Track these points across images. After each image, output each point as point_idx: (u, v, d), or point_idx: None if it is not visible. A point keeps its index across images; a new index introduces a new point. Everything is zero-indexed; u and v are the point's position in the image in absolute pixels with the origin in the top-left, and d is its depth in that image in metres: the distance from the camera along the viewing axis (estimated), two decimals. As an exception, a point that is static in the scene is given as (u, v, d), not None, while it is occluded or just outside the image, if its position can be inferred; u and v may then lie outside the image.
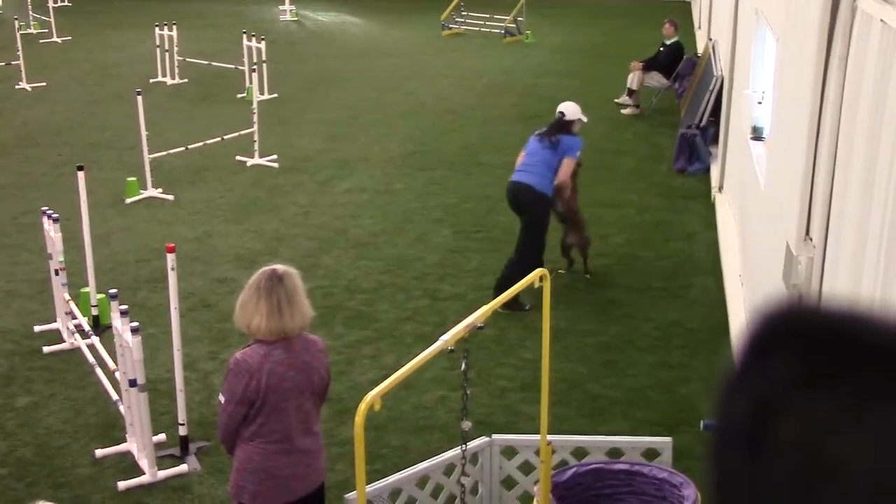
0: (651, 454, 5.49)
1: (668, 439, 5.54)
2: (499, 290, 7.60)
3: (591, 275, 9.00)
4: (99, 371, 7.25)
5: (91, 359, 7.41)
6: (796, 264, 4.98)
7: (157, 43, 17.21)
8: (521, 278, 7.95)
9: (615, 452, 5.50)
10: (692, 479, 4.98)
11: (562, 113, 8.59)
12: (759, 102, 9.03)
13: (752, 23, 9.36)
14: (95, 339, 7.62)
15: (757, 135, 8.71)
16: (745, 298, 7.95)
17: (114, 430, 6.63)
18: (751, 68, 9.48)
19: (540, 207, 8.42)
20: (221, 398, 4.48)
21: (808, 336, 0.75)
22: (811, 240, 4.96)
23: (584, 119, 8.67)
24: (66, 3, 26.03)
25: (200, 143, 12.29)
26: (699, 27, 19.76)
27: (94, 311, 8.08)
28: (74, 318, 7.84)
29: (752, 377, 0.76)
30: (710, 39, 14.88)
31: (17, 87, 16.65)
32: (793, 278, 5.02)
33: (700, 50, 16.39)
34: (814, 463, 0.71)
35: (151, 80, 17.07)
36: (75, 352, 7.67)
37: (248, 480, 4.51)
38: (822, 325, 0.75)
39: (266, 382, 4.37)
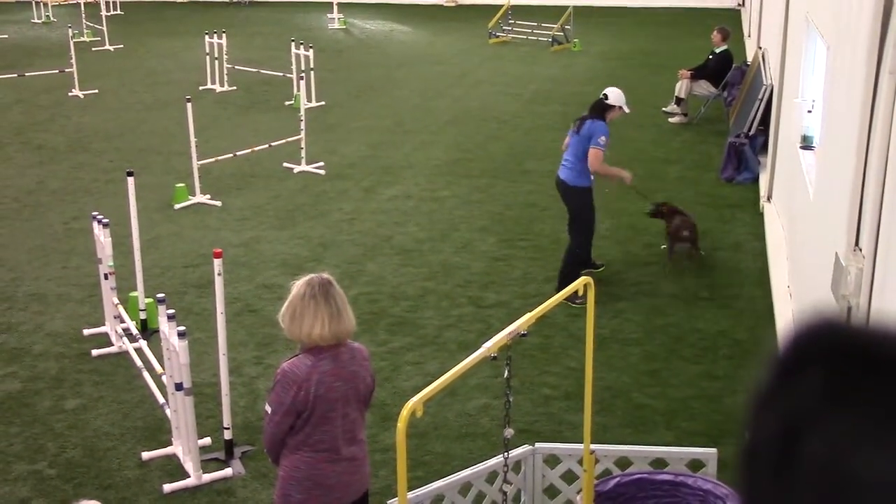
0: (696, 465, 5.44)
1: (713, 450, 5.49)
2: (560, 283, 8.36)
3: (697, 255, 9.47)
4: (146, 374, 7.33)
5: (138, 362, 7.50)
6: (845, 275, 4.91)
7: (207, 51, 17.40)
8: (572, 267, 8.31)
9: (659, 463, 5.46)
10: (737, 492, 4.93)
11: (605, 95, 8.66)
12: (809, 111, 8.94)
13: (803, 31, 9.26)
14: (143, 343, 7.72)
15: (806, 144, 8.62)
16: (793, 309, 7.86)
17: (160, 433, 6.71)
18: (801, 77, 9.39)
19: (575, 200, 8.74)
20: (268, 408, 4.47)
21: (836, 354, 0.75)
22: (861, 251, 4.89)
23: (627, 110, 8.75)
24: (118, 12, 26.41)
25: (248, 150, 12.41)
26: (749, 35, 19.61)
27: (142, 315, 8.19)
28: (123, 321, 7.94)
29: (781, 394, 0.76)
30: (760, 48, 14.75)
31: (70, 94, 16.92)
32: (842, 289, 4.95)
33: (749, 58, 16.25)
34: (839, 479, 0.71)
35: (201, 88, 17.26)
36: (123, 355, 7.77)
37: (294, 489, 4.51)
38: (850, 344, 0.75)
39: (314, 393, 4.36)
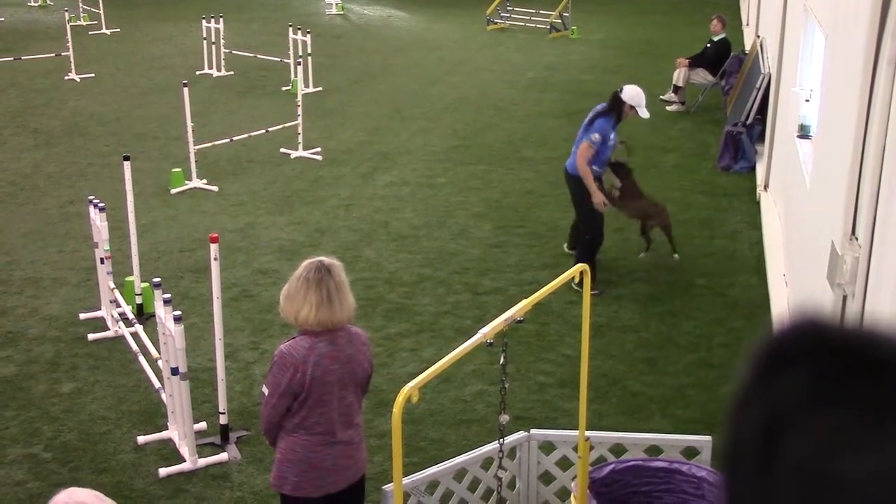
0: (690, 452, 5.46)
1: (708, 438, 5.50)
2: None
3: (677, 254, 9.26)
4: (142, 359, 7.34)
5: (134, 347, 7.50)
6: (841, 264, 4.92)
7: (204, 35, 17.34)
8: (587, 255, 8.30)
9: (654, 450, 5.47)
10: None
11: (620, 89, 8.48)
12: (807, 100, 8.93)
13: (801, 19, 9.25)
14: (139, 328, 7.72)
15: (803, 133, 8.62)
16: (789, 298, 7.88)
17: (155, 417, 6.71)
18: (799, 65, 9.38)
19: (572, 185, 8.67)
20: (265, 390, 4.49)
21: (818, 353, 0.75)
22: (857, 239, 4.90)
23: (642, 114, 8.49)
24: (115, -5, 26.28)
25: (245, 135, 12.39)
26: (747, 24, 19.57)
27: (138, 300, 8.18)
28: (119, 306, 7.94)
29: (763, 393, 0.76)
30: (758, 36, 14.73)
31: (66, 77, 16.86)
32: (837, 278, 4.96)
33: (748, 47, 16.23)
34: (822, 480, 0.71)
35: (198, 72, 17.21)
36: (119, 339, 7.77)
37: (290, 472, 4.53)
38: (832, 343, 0.74)
39: (311, 375, 4.38)
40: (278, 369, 4.42)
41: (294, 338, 4.50)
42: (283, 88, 16.17)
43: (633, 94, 8.44)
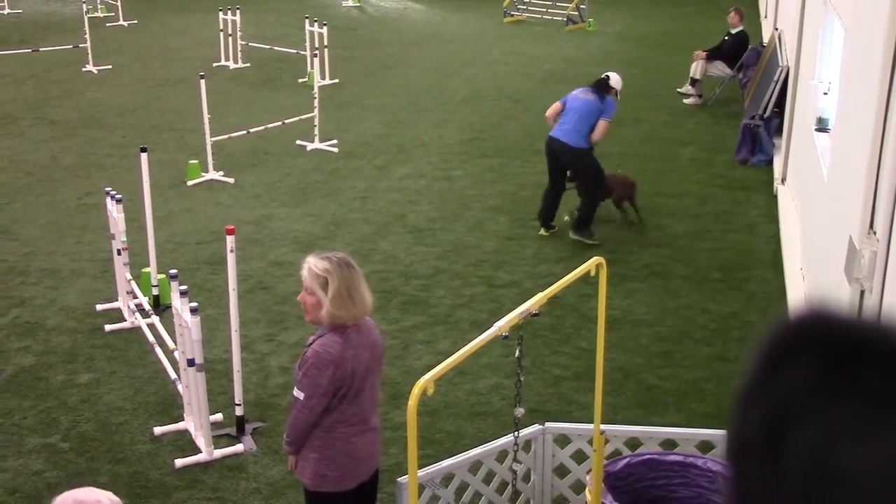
0: (705, 447, 5.44)
1: (724, 432, 5.48)
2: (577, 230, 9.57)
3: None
4: (158, 350, 7.37)
5: (151, 338, 7.53)
6: (859, 258, 4.89)
7: (221, 27, 17.37)
8: (593, 206, 9.43)
9: (669, 444, 5.46)
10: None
11: (607, 76, 9.54)
12: (825, 93, 8.88)
13: (820, 12, 9.19)
14: (155, 319, 7.75)
15: (822, 126, 8.57)
16: (805, 292, 7.84)
17: (172, 408, 6.74)
18: (817, 58, 9.33)
19: (579, 161, 9.39)
20: (300, 395, 4.35)
21: (823, 346, 0.74)
22: (875, 233, 4.87)
23: (618, 97, 9.65)
24: (132, -13, 26.32)
25: (261, 127, 12.41)
26: (765, 16, 19.47)
27: (155, 291, 8.21)
28: (135, 297, 7.98)
29: (768, 386, 0.76)
30: (777, 29, 14.65)
31: (83, 69, 16.92)
32: (855, 272, 4.93)
33: (766, 39, 16.15)
34: (828, 472, 0.71)
35: (214, 64, 17.24)
36: (136, 331, 7.80)
37: (329, 468, 4.46)
38: (837, 336, 0.74)
39: (352, 367, 4.36)
40: (316, 370, 4.31)
41: (321, 336, 4.41)
42: (300, 80, 16.18)
43: (619, 81, 9.59)
